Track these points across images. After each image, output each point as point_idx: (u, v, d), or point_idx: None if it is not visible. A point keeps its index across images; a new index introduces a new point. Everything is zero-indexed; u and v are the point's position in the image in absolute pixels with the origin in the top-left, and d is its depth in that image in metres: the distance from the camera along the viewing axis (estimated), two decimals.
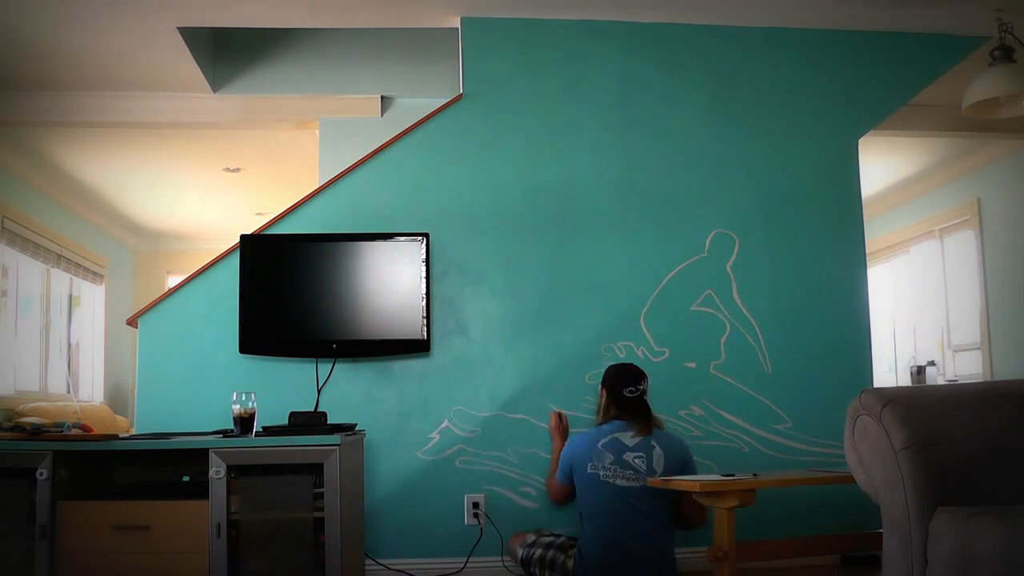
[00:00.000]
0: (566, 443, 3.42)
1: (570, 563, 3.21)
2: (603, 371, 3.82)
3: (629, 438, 3.25)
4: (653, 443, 3.24)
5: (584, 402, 3.82)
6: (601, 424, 3.34)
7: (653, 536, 3.19)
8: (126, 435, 3.56)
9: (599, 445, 3.24)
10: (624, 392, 3.31)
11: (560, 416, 3.67)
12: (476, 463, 3.75)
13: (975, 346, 6.41)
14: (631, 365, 3.42)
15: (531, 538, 3.41)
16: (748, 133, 4.08)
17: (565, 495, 3.43)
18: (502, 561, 3.69)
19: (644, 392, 3.34)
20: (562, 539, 3.35)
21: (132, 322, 3.79)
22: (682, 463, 3.28)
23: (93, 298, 8.11)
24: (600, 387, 3.42)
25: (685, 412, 3.87)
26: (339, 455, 2.93)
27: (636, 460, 3.21)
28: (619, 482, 3.19)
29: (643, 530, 3.17)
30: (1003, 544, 1.78)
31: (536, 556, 3.31)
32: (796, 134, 4.11)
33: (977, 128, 5.20)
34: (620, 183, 3.98)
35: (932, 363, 6.83)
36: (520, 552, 3.39)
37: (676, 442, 3.32)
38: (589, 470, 3.23)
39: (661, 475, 3.20)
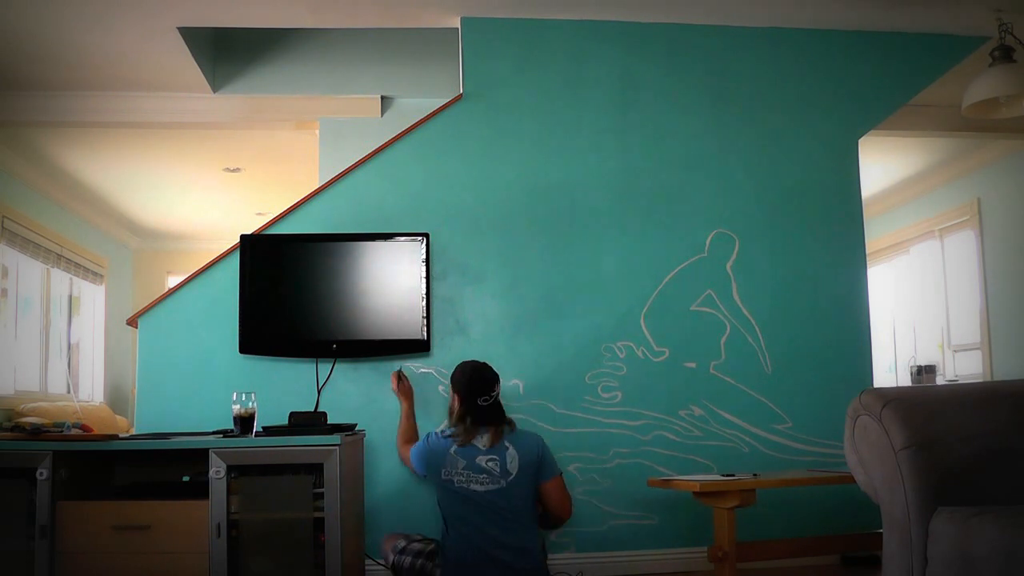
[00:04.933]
0: (424, 439, 3.31)
1: (437, 572, 3.18)
2: (603, 371, 3.82)
3: (481, 442, 3.19)
4: (507, 444, 3.19)
5: (584, 402, 3.82)
6: (451, 428, 3.27)
7: (514, 539, 3.14)
8: (126, 435, 3.56)
9: (451, 451, 3.19)
10: (478, 402, 3.23)
11: (400, 376, 3.61)
12: None
13: (975, 346, 6.41)
14: (483, 369, 3.31)
15: (401, 543, 3.33)
16: (748, 133, 4.08)
17: (413, 470, 3.42)
18: None
19: (497, 396, 3.27)
20: (432, 546, 3.29)
21: (132, 322, 3.80)
22: (539, 459, 3.22)
23: (93, 298, 8.11)
24: (451, 388, 3.33)
25: (685, 412, 3.87)
26: (339, 455, 2.93)
27: (489, 463, 3.16)
28: (474, 487, 3.14)
29: (503, 533, 3.13)
30: (1003, 544, 1.78)
31: (406, 564, 3.25)
32: (796, 134, 4.11)
33: (977, 128, 5.20)
34: (620, 183, 3.98)
35: (932, 368, 6.84)
36: (391, 557, 3.33)
37: (530, 441, 3.25)
38: (443, 476, 3.18)
39: (516, 476, 3.15)
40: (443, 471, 3.18)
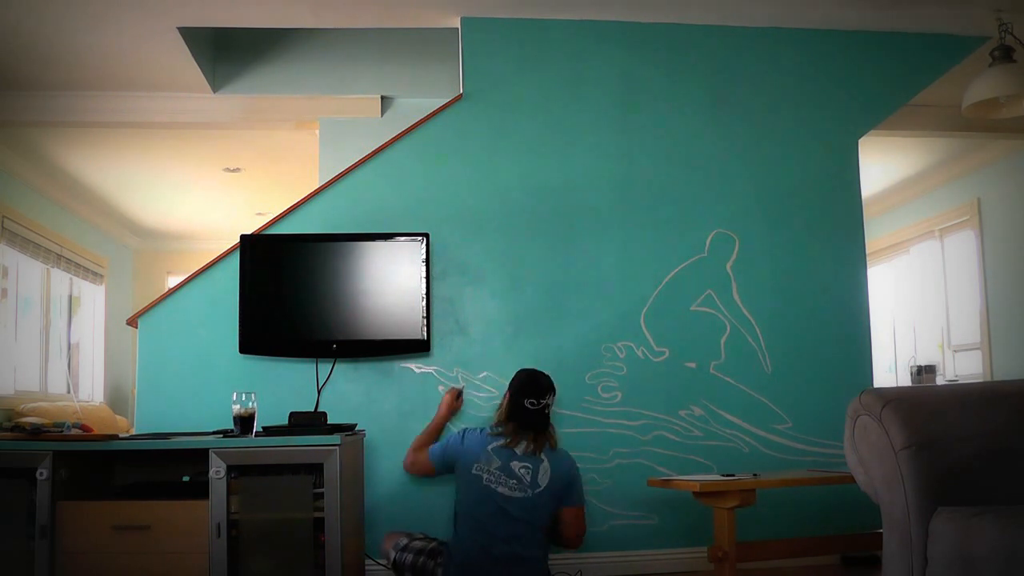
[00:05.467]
0: (457, 434, 3.35)
1: (439, 571, 3.18)
2: (602, 371, 3.82)
3: (520, 448, 3.21)
4: (543, 457, 3.21)
5: (584, 402, 3.81)
6: (496, 427, 3.31)
7: (525, 547, 3.15)
8: (126, 435, 3.56)
9: (489, 448, 3.22)
10: (525, 403, 3.25)
11: (458, 395, 3.67)
12: None
13: (975, 346, 6.41)
14: (540, 376, 3.35)
15: (403, 541, 3.34)
16: (748, 133, 4.08)
17: (424, 472, 3.45)
18: None
19: (546, 407, 3.29)
20: (433, 544, 3.29)
21: (132, 322, 3.79)
22: (569, 482, 3.25)
23: (93, 298, 8.11)
24: (507, 388, 3.39)
25: (685, 412, 3.87)
26: (339, 455, 2.93)
27: (522, 470, 3.18)
28: (500, 489, 3.16)
29: (515, 539, 3.14)
30: (1003, 544, 1.78)
31: (408, 562, 3.25)
32: (796, 134, 4.11)
33: (977, 128, 5.20)
34: (620, 183, 3.98)
35: (932, 368, 6.84)
36: (392, 555, 3.33)
37: (566, 461, 3.28)
38: (474, 471, 3.20)
39: (544, 490, 3.18)
40: (475, 465, 3.20)
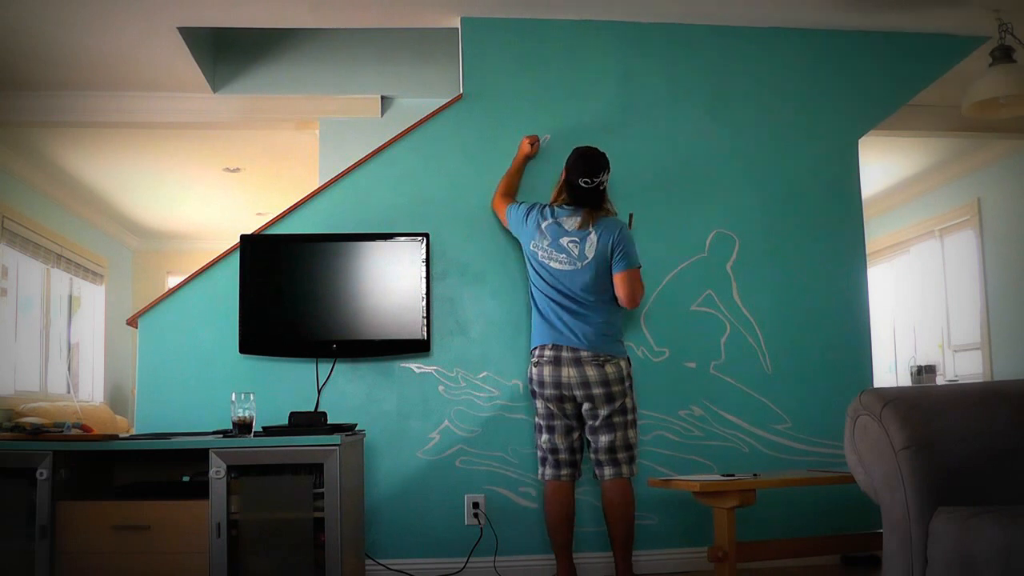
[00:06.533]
0: (528, 209, 3.50)
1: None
2: None
3: (571, 224, 3.38)
4: (591, 230, 3.35)
5: None
6: (552, 203, 3.48)
7: (587, 312, 3.33)
8: (126, 435, 3.56)
9: (543, 226, 3.41)
10: (579, 182, 3.38)
11: (533, 142, 3.79)
12: (476, 463, 3.75)
13: (975, 346, 6.41)
14: (596, 154, 3.43)
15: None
16: (748, 133, 4.08)
17: (504, 213, 3.65)
18: (493, 562, 3.69)
19: (601, 184, 3.40)
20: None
21: (132, 322, 3.80)
22: (612, 250, 3.34)
23: (93, 298, 8.11)
24: (564, 166, 3.49)
25: (685, 412, 3.87)
26: (339, 455, 2.93)
27: (570, 244, 3.35)
28: (554, 264, 3.36)
29: (579, 307, 3.33)
30: (1003, 544, 1.78)
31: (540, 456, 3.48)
32: (796, 134, 4.10)
33: (977, 128, 5.20)
34: (619, 183, 3.97)
35: (932, 368, 6.84)
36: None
37: (613, 227, 3.38)
38: (531, 247, 3.45)
39: (592, 260, 3.34)
40: (532, 242, 3.44)
